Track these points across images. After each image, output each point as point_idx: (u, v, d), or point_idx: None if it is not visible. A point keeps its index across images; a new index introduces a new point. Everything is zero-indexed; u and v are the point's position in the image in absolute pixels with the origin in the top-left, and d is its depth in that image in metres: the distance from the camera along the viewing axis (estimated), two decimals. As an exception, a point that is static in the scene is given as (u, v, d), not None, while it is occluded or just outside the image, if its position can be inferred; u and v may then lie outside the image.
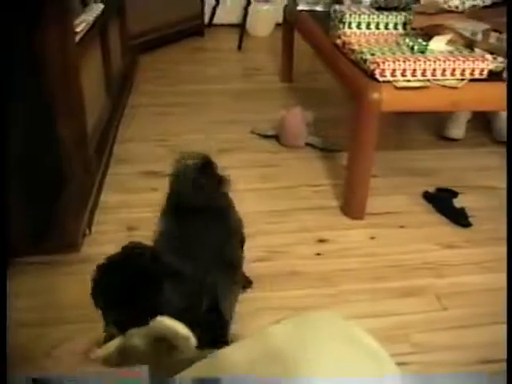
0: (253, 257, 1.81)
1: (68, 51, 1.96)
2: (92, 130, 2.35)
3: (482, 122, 2.93)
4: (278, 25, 4.17)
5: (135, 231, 2.05)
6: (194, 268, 1.19)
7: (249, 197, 2.16)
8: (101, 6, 2.54)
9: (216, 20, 4.73)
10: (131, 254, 1.12)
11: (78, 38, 2.09)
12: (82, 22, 2.23)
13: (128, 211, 2.17)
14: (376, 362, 0.80)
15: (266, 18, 4.60)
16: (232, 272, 1.42)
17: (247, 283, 1.72)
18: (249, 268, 1.71)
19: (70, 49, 1.97)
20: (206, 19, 4.66)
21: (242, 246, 1.63)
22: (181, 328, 0.99)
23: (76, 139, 2.11)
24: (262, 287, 1.78)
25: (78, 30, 2.13)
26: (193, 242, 1.34)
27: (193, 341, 1.00)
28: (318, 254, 1.98)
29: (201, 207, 1.43)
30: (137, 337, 1.02)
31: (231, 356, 0.85)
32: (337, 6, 2.49)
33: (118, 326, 1.07)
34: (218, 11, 4.71)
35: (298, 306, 1.73)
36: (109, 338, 1.08)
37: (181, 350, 0.98)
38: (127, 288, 1.07)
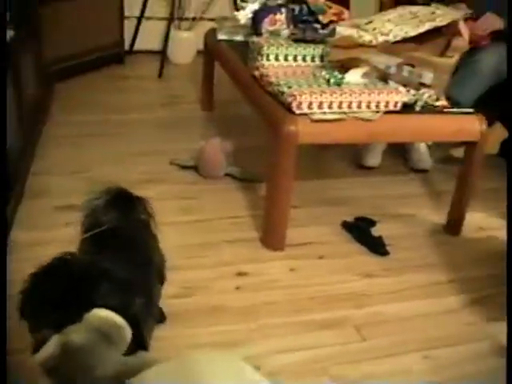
0: (170, 293, 1.76)
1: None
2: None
3: (397, 150, 3.01)
4: (199, 52, 4.17)
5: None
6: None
7: (166, 230, 2.10)
8: (10, 33, 2.45)
9: (137, 46, 4.67)
10: (62, 259, 1.17)
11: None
12: (-10, 51, 2.14)
13: (40, 249, 2.07)
14: None
15: (186, 45, 4.58)
16: (149, 302, 1.38)
17: (161, 319, 1.68)
18: (166, 304, 1.67)
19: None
20: (127, 46, 4.60)
21: (162, 283, 1.60)
22: (116, 317, 1.03)
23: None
24: (180, 324, 1.74)
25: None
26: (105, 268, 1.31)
27: (128, 331, 1.02)
28: (238, 288, 1.96)
29: (113, 233, 1.42)
30: (74, 332, 1.03)
31: None
32: (255, 38, 2.51)
33: (56, 327, 1.06)
34: (139, 37, 4.66)
35: (219, 341, 1.70)
36: (41, 342, 1.07)
37: (116, 340, 0.99)
38: (63, 289, 1.09)
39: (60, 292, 1.09)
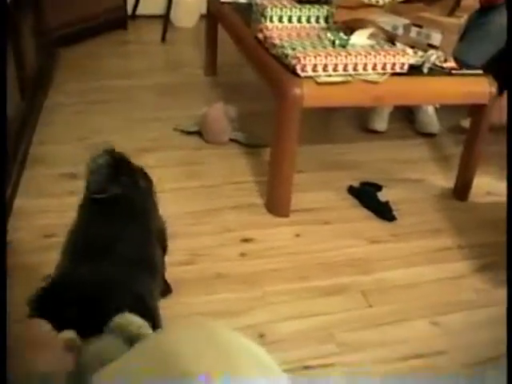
0: (174, 260, 1.75)
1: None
2: (4, 131, 2.23)
3: (404, 113, 2.96)
4: (203, 16, 4.09)
5: (52, 238, 1.95)
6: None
7: (170, 197, 2.09)
8: (10, -1, 2.40)
9: (139, 11, 4.60)
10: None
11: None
12: (-12, 17, 2.10)
13: (45, 216, 2.07)
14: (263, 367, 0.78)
15: (190, 8, 4.50)
16: (154, 273, 1.36)
17: (167, 290, 1.66)
18: (170, 272, 1.66)
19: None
20: (130, 10, 4.53)
21: (165, 250, 1.58)
22: (135, 320, 0.99)
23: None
24: (185, 292, 1.73)
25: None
26: (112, 239, 1.30)
27: (147, 327, 0.99)
28: (243, 255, 1.94)
29: (116, 201, 1.39)
30: (104, 346, 0.97)
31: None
32: (258, -1, 2.45)
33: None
34: (141, 1, 4.58)
35: (223, 310, 1.69)
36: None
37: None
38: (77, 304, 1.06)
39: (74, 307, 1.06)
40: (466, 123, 2.57)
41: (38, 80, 2.96)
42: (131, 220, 1.39)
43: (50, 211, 2.10)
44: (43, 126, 2.71)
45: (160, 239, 1.52)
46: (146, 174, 1.57)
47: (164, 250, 1.57)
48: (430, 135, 2.82)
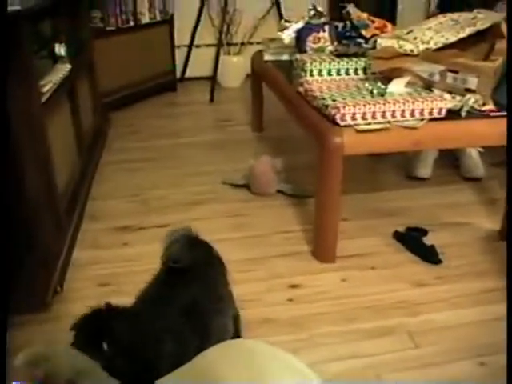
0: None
1: (33, 112, 1.99)
2: (63, 188, 2.36)
3: (449, 160, 2.99)
4: (248, 76, 4.26)
5: (107, 287, 2.05)
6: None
7: (220, 247, 2.16)
8: (68, 66, 2.58)
9: (188, 74, 4.82)
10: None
11: (44, 98, 2.12)
12: (49, 83, 2.26)
13: (100, 267, 2.17)
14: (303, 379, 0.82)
15: (236, 69, 4.69)
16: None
17: None
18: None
19: (36, 109, 2.00)
20: (178, 73, 4.75)
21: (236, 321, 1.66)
22: None
23: (45, 197, 2.12)
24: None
25: (44, 90, 2.16)
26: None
27: None
28: (290, 300, 1.98)
29: (190, 270, 1.46)
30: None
31: None
32: (298, 55, 2.56)
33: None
34: (190, 65, 4.80)
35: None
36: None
37: None
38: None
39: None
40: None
41: (93, 140, 3.13)
42: (201, 287, 1.46)
43: (104, 262, 2.20)
44: (98, 183, 2.86)
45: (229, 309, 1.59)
46: (218, 254, 1.65)
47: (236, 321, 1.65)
48: (475, 179, 2.83)
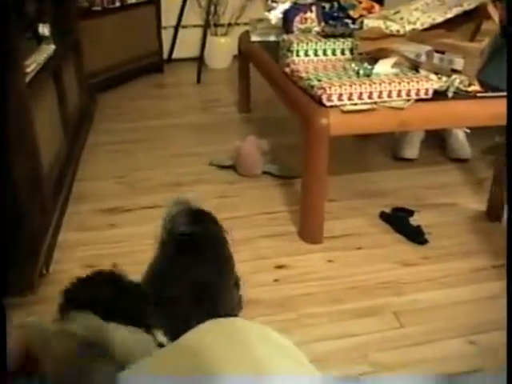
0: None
1: (18, 92, 1.97)
2: (48, 169, 2.35)
3: (436, 141, 2.99)
4: (236, 57, 4.23)
5: (93, 268, 2.04)
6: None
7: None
8: (52, 47, 2.55)
9: (175, 55, 4.78)
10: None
11: (28, 78, 2.10)
12: (33, 63, 2.24)
13: (86, 249, 2.17)
14: (294, 361, 0.81)
15: (223, 50, 4.66)
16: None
17: None
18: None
19: (21, 90, 1.98)
20: (165, 54, 4.71)
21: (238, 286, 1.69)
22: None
23: (31, 179, 2.10)
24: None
25: (28, 70, 2.14)
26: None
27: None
28: (277, 281, 1.99)
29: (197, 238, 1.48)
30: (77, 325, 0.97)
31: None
32: (285, 36, 2.54)
33: None
34: (177, 46, 4.76)
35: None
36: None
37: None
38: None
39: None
40: (501, 139, 2.58)
41: (79, 121, 3.11)
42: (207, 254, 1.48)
43: (91, 244, 2.19)
44: (84, 165, 2.84)
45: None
46: (215, 217, 1.65)
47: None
48: (461, 161, 2.84)
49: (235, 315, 1.63)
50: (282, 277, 2.00)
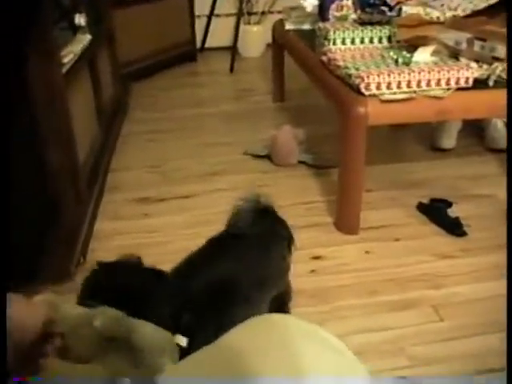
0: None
1: (55, 83, 1.98)
2: (84, 160, 2.36)
3: (474, 130, 2.93)
4: (269, 45, 4.20)
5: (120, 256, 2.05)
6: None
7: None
8: (88, 37, 2.56)
9: (208, 44, 4.77)
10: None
11: (65, 69, 2.11)
12: (70, 53, 2.24)
13: (121, 238, 2.18)
14: (342, 363, 0.78)
15: (256, 38, 4.64)
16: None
17: None
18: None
19: (57, 80, 1.99)
20: (198, 43, 4.70)
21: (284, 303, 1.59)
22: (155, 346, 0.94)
23: (67, 169, 2.12)
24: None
25: (64, 61, 2.14)
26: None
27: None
28: (313, 271, 1.97)
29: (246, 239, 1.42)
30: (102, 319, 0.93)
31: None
32: (321, 24, 2.51)
33: None
34: (210, 35, 4.75)
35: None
36: None
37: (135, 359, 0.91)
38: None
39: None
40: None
41: (113, 111, 3.12)
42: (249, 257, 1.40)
43: (126, 233, 2.20)
44: (118, 154, 2.86)
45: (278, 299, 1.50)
46: (287, 227, 1.62)
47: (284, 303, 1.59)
48: (500, 151, 2.78)
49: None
50: (318, 268, 1.98)
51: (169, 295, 1.13)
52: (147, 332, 0.95)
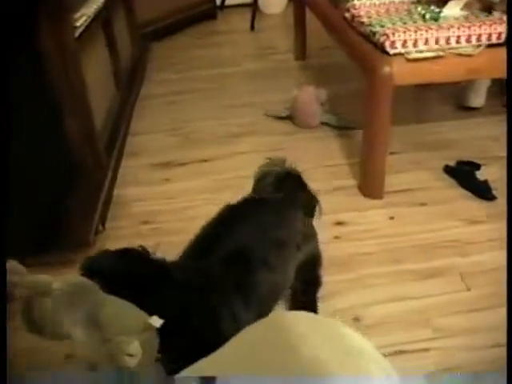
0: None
1: (67, 47, 1.92)
2: (102, 124, 2.32)
3: (503, 87, 2.81)
4: (290, 1, 4.07)
5: (149, 225, 2.02)
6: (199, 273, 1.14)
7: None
8: (104, -3, 2.49)
9: (228, 1, 4.64)
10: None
11: (78, 32, 2.04)
12: (82, 16, 2.18)
13: (142, 204, 2.14)
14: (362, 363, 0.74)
15: (277, -6, 4.51)
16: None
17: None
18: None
19: (70, 44, 1.93)
20: (218, 1, 4.58)
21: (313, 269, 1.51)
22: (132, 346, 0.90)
23: (84, 134, 2.09)
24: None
25: (77, 24, 2.08)
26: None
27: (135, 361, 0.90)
28: (337, 237, 1.92)
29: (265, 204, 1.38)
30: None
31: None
32: (344, -22, 2.40)
33: None
34: (230, -9, 4.63)
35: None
36: None
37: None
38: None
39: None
40: None
41: (132, 73, 3.06)
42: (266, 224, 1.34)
43: (146, 199, 2.17)
44: (137, 118, 2.80)
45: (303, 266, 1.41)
46: (312, 194, 1.56)
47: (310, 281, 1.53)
48: (531, 109, 2.67)
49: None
50: (342, 234, 1.93)
51: (168, 294, 1.08)
52: (114, 309, 0.94)
